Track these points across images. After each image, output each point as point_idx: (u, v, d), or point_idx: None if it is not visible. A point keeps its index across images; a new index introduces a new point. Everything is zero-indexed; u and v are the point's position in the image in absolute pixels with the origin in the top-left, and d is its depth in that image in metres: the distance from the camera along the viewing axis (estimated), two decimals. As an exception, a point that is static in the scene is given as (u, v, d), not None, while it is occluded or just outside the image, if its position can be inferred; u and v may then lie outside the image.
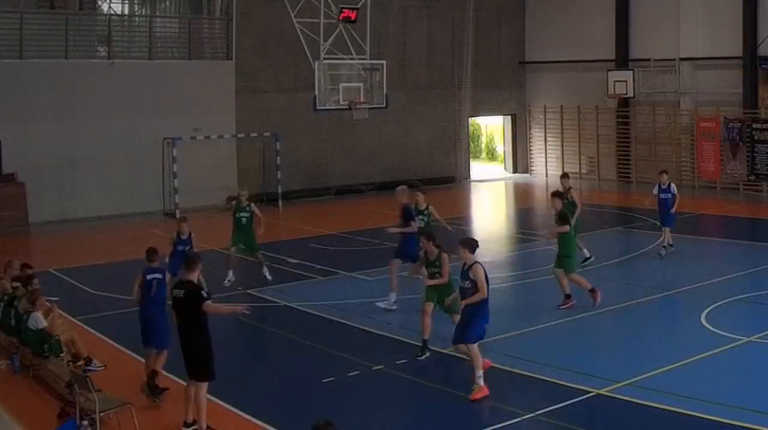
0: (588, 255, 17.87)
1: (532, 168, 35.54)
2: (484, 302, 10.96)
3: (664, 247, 18.69)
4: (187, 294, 9.68)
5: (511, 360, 11.88)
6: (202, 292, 9.79)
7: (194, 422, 9.88)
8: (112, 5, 26.95)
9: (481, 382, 10.70)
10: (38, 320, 11.60)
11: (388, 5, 31.19)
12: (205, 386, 9.79)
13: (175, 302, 9.87)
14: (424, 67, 33.11)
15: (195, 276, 9.92)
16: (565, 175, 18.71)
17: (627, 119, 31.92)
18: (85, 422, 9.59)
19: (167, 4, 28.56)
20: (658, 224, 19.24)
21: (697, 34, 29.14)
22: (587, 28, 32.38)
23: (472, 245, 11.22)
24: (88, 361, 11.79)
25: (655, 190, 18.95)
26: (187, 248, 14.93)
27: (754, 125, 27.68)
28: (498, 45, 34.77)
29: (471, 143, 36.74)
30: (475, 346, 10.83)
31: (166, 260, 14.52)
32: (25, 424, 10.21)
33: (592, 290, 14.60)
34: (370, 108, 24.94)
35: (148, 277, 11.28)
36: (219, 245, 18.65)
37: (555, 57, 33.62)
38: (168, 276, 11.71)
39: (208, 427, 9.85)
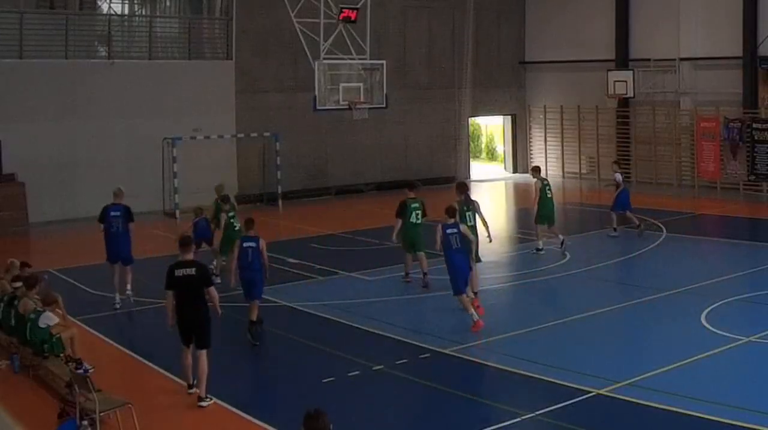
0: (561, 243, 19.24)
1: (532, 168, 35.51)
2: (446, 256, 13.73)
3: (614, 229, 21.09)
4: (200, 272, 10.68)
5: (511, 360, 11.88)
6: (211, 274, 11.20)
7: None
8: (112, 5, 26.94)
9: (474, 319, 13.25)
10: (50, 318, 11.60)
11: (388, 5, 31.19)
12: (205, 353, 10.70)
13: (184, 279, 10.59)
14: (424, 67, 33.11)
15: (192, 255, 10.87)
16: (537, 168, 20.34)
17: (627, 119, 31.91)
18: (85, 422, 9.58)
19: (167, 4, 28.53)
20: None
21: (697, 34, 29.15)
22: (587, 28, 32.38)
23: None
24: (79, 363, 11.73)
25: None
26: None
27: (754, 125, 27.68)
28: (498, 45, 34.78)
29: (471, 143, 36.74)
30: (461, 296, 13.58)
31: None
32: (25, 424, 10.20)
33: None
34: (370, 108, 24.92)
35: (245, 245, 13.36)
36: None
37: (555, 57, 33.62)
38: (262, 243, 13.42)
39: (207, 396, 10.66)
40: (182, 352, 10.91)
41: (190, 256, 10.83)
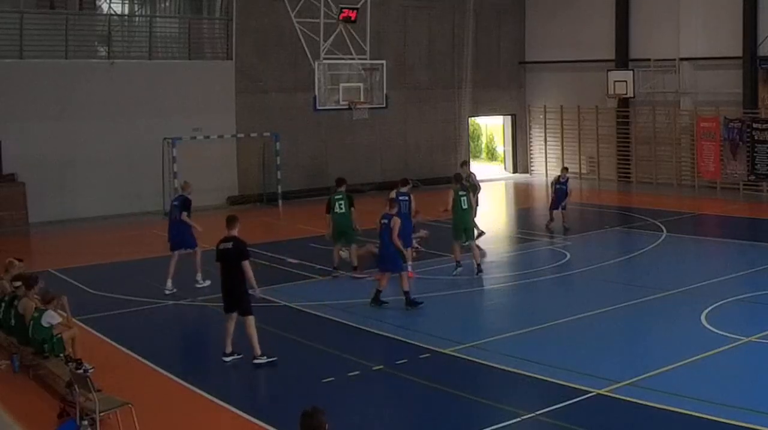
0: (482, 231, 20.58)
1: (532, 168, 35.55)
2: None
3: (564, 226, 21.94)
4: (236, 246, 11.88)
5: (511, 360, 11.87)
6: (247, 249, 11.97)
7: (232, 353, 12.11)
8: (112, 5, 26.94)
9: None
10: (53, 316, 11.59)
11: (388, 5, 31.19)
12: (251, 319, 11.97)
13: (223, 252, 11.92)
14: (424, 67, 33.11)
15: (237, 232, 12.05)
16: (464, 163, 22.21)
17: (627, 119, 31.92)
18: (85, 422, 9.58)
19: (167, 4, 28.52)
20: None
21: (697, 34, 29.16)
22: (587, 28, 32.38)
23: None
24: (79, 363, 11.70)
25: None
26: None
27: (754, 125, 27.69)
28: (498, 45, 34.78)
29: (471, 143, 36.74)
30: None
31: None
32: (25, 424, 10.20)
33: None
34: (370, 108, 24.93)
35: (381, 220, 14.97)
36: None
37: (555, 57, 33.62)
38: (393, 221, 14.83)
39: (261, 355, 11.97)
40: (226, 318, 12.14)
41: (233, 232, 12.03)
